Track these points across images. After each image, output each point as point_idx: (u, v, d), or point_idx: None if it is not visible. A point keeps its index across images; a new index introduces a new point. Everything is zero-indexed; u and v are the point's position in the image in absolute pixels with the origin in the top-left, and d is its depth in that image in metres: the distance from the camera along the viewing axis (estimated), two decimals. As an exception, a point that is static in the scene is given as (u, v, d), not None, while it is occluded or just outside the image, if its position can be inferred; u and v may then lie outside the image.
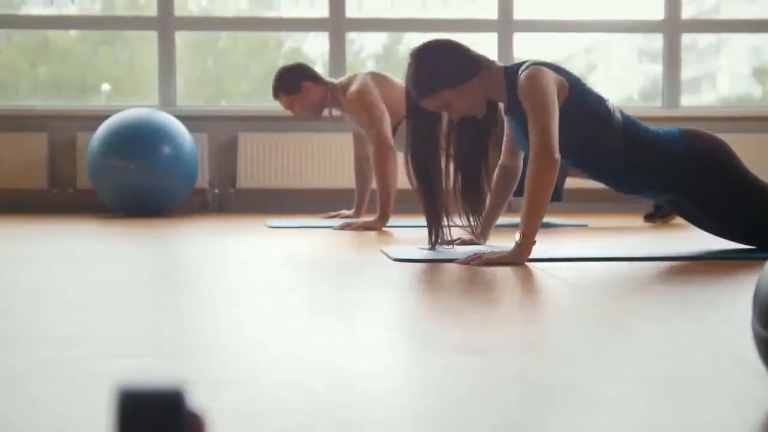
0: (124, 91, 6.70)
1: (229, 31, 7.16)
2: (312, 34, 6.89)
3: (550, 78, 3.01)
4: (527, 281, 2.61)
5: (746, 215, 3.16)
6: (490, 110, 3.21)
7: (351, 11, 6.51)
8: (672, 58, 6.61)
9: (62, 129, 6.22)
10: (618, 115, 3.14)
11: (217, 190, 6.32)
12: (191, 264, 3.21)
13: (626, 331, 1.85)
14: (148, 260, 3.22)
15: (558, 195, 4.69)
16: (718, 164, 3.13)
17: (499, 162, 3.40)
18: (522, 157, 3.37)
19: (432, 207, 3.23)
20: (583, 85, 3.14)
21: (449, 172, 3.25)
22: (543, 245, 3.20)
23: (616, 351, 1.67)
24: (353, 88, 4.76)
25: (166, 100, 6.40)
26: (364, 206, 5.28)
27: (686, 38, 6.79)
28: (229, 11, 7.43)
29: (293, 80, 4.91)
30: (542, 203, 2.90)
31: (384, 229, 4.59)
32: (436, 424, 1.16)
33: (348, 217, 5.24)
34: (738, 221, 3.20)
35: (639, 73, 8.05)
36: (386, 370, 1.48)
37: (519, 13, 6.55)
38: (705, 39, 8.22)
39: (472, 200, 3.27)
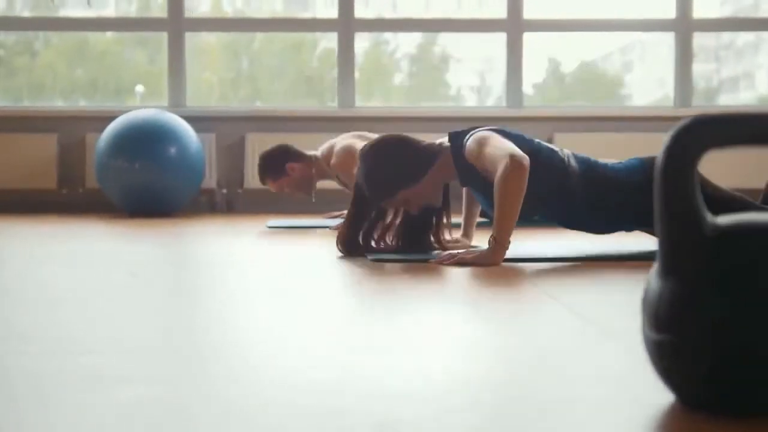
0: (160, 92, 6.77)
1: (238, 31, 7.20)
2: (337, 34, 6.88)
3: (498, 137, 3.01)
4: (484, 280, 2.60)
5: None
6: (443, 193, 3.22)
7: (387, 12, 6.50)
8: (683, 58, 6.55)
9: (72, 129, 6.28)
10: (573, 161, 3.11)
11: (225, 191, 6.35)
12: (171, 264, 3.23)
13: (563, 329, 1.84)
14: (133, 260, 3.25)
15: None
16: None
17: None
18: None
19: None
20: (531, 141, 3.12)
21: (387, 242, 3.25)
22: (525, 246, 3.19)
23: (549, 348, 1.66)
24: (337, 151, 4.73)
25: (176, 101, 6.44)
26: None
27: (725, 37, 6.72)
28: (263, 12, 7.49)
29: (278, 164, 4.92)
30: (514, 204, 2.88)
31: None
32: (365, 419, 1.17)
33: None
34: None
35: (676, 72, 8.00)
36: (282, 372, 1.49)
37: (528, 13, 6.52)
38: (743, 38, 8.14)
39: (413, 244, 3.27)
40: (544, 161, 3.06)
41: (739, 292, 1.15)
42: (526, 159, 2.88)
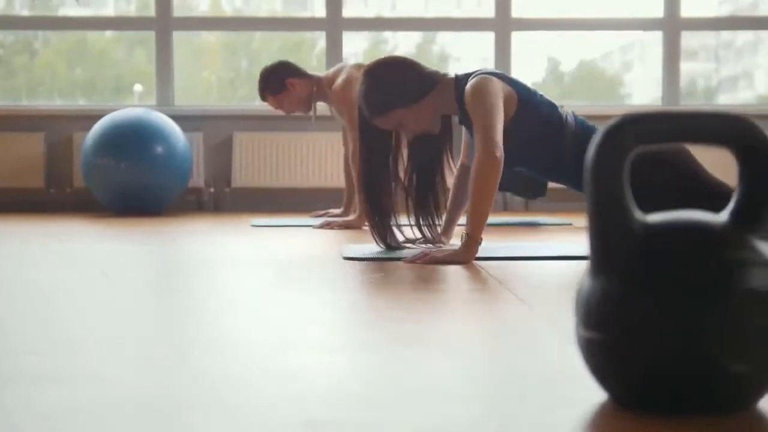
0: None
1: (225, 30, 7.21)
2: (345, 34, 6.87)
3: (496, 86, 3.01)
4: (452, 279, 2.60)
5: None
6: (444, 124, 3.21)
7: (386, 11, 6.51)
8: (671, 57, 6.55)
9: (59, 128, 6.28)
10: (570, 119, 3.13)
11: (212, 189, 6.36)
12: (148, 263, 3.23)
13: (514, 328, 1.84)
14: (111, 259, 3.25)
15: (542, 190, 4.64)
16: (669, 156, 3.08)
17: (459, 162, 3.40)
18: None
19: (377, 212, 3.22)
20: (534, 93, 3.13)
21: (403, 184, 3.24)
22: (501, 244, 3.19)
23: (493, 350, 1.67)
24: (339, 81, 4.75)
25: (164, 100, 6.44)
26: (352, 205, 5.28)
27: (724, 36, 6.71)
28: (261, 11, 7.49)
29: (278, 79, 4.90)
30: (486, 202, 2.89)
31: (365, 227, 4.59)
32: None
33: (336, 216, 5.25)
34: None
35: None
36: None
37: (517, 12, 6.52)
38: (742, 37, 8.13)
39: (424, 213, 3.27)
40: (541, 114, 3.08)
41: (667, 290, 1.15)
42: (499, 149, 2.89)
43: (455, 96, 3.11)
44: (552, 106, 3.13)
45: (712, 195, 3.02)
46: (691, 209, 1.24)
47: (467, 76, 3.12)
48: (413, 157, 3.24)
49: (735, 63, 9.00)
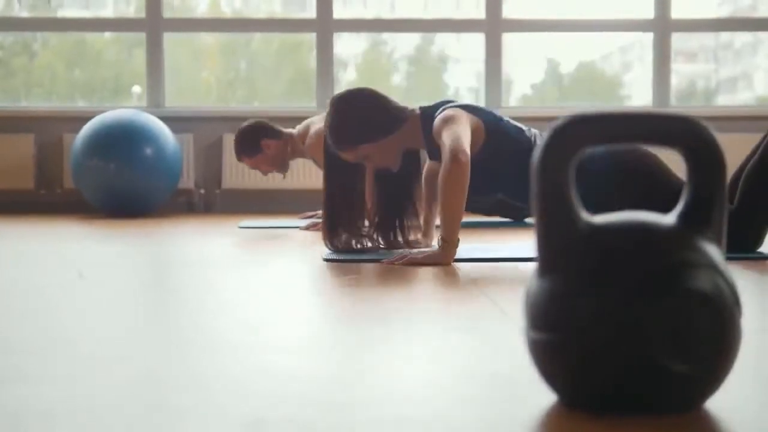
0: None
1: (216, 32, 7.21)
2: (345, 35, 6.89)
3: (464, 118, 3.03)
4: (433, 279, 2.60)
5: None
6: (411, 157, 3.22)
7: (384, 13, 6.51)
8: (661, 58, 6.55)
9: (49, 130, 6.28)
10: (539, 140, 3.13)
11: (202, 191, 6.36)
12: (129, 264, 3.23)
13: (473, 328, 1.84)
14: (91, 261, 3.25)
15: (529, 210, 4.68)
16: (642, 176, 3.08)
17: (426, 166, 3.39)
18: None
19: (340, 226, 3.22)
20: (500, 119, 3.16)
21: (370, 214, 3.26)
22: (483, 245, 3.19)
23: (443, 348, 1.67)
24: (311, 133, 4.76)
25: (154, 101, 6.44)
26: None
27: (723, 37, 6.72)
28: (259, 12, 7.51)
29: (252, 141, 4.93)
30: (456, 203, 2.89)
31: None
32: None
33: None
34: None
35: (675, 72, 8.01)
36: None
37: (508, 13, 6.52)
38: (741, 38, 8.13)
39: (386, 234, 3.28)
40: (510, 140, 3.09)
41: (610, 290, 1.15)
42: (465, 154, 2.88)
43: (422, 129, 3.12)
44: (519, 130, 3.16)
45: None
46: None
47: (433, 108, 3.14)
48: (379, 188, 3.25)
49: (734, 64, 9.00)
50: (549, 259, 1.19)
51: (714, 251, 1.19)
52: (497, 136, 3.05)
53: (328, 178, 3.22)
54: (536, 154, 1.20)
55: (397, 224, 3.27)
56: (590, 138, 1.19)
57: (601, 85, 8.71)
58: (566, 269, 1.18)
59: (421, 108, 3.17)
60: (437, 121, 3.03)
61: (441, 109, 3.10)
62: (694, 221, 1.21)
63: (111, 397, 1.30)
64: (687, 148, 1.21)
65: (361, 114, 3.11)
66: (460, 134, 2.94)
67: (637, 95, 8.72)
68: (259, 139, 4.91)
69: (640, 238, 1.17)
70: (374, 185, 3.25)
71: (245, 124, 5.01)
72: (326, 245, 3.20)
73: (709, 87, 9.09)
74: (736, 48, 8.99)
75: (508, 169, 3.10)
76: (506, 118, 3.18)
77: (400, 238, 3.28)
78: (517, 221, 4.74)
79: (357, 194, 3.21)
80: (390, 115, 3.13)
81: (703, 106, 7.07)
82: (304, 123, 4.95)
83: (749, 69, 8.87)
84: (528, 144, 3.12)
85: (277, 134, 4.93)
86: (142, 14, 6.46)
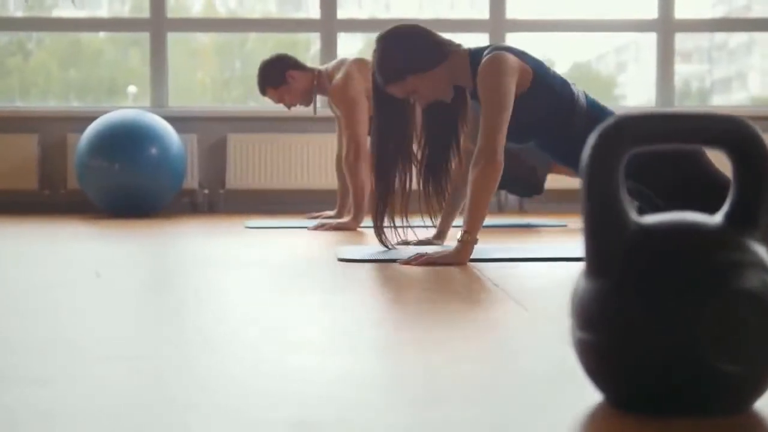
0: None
1: (220, 32, 7.21)
2: (342, 34, 6.87)
3: (510, 65, 3.00)
4: (447, 281, 2.60)
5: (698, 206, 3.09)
6: (458, 95, 3.20)
7: (380, 13, 6.49)
8: (665, 58, 6.56)
9: (53, 130, 6.27)
10: (582, 98, 3.14)
11: (206, 191, 6.35)
12: (146, 264, 3.22)
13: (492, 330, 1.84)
14: (103, 260, 3.24)
15: (538, 188, 4.61)
16: (685, 155, 3.06)
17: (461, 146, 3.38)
18: None
19: (383, 190, 3.21)
20: (547, 69, 3.13)
21: (416, 157, 3.24)
22: (496, 245, 3.19)
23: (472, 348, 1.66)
24: (338, 77, 4.73)
25: (158, 101, 6.43)
26: (346, 206, 5.28)
27: (717, 37, 6.72)
28: (255, 12, 7.50)
29: (277, 72, 4.88)
30: (483, 203, 2.91)
31: (359, 229, 4.59)
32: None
33: (330, 217, 5.24)
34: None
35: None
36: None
37: (511, 13, 6.52)
38: (736, 38, 8.13)
39: (434, 183, 3.27)
40: (554, 91, 3.08)
41: (660, 291, 1.15)
42: (500, 156, 2.91)
43: (469, 69, 3.11)
44: (565, 83, 3.14)
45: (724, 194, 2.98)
46: (704, 208, 1.24)
47: (481, 50, 3.11)
48: (428, 128, 3.23)
49: (728, 64, 8.99)
50: (598, 260, 1.19)
51: (762, 251, 1.19)
52: (543, 83, 3.05)
53: (377, 119, 3.20)
54: (584, 155, 1.20)
55: (443, 168, 3.25)
56: (639, 139, 1.19)
57: (596, 86, 8.71)
58: (616, 270, 1.18)
59: (470, 49, 3.16)
60: (483, 67, 3.01)
61: (491, 48, 3.08)
62: (741, 221, 1.20)
63: (111, 397, 1.30)
64: (734, 148, 1.21)
65: (407, 45, 3.11)
66: (500, 120, 2.92)
67: (632, 95, 8.72)
68: (284, 69, 4.86)
69: (689, 239, 1.17)
70: (423, 126, 3.23)
71: (269, 57, 4.95)
72: (376, 189, 3.20)
73: (703, 87, 9.09)
74: (730, 48, 8.99)
75: (545, 117, 3.08)
76: (554, 69, 3.17)
77: (443, 182, 3.26)
78: (524, 194, 4.60)
79: (406, 138, 3.20)
80: (435, 47, 3.12)
81: (698, 106, 7.07)
82: (334, 62, 4.92)
83: (744, 69, 8.88)
84: (570, 98, 3.10)
85: (302, 66, 4.89)
86: (140, 14, 6.46)
